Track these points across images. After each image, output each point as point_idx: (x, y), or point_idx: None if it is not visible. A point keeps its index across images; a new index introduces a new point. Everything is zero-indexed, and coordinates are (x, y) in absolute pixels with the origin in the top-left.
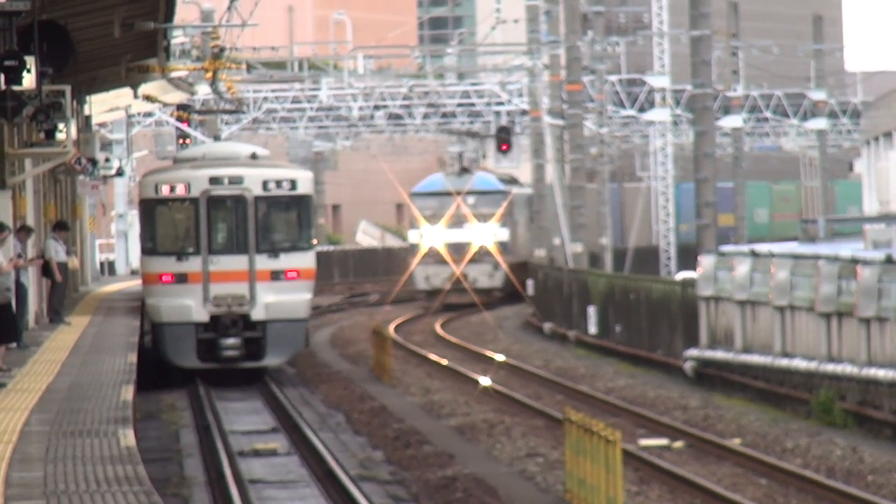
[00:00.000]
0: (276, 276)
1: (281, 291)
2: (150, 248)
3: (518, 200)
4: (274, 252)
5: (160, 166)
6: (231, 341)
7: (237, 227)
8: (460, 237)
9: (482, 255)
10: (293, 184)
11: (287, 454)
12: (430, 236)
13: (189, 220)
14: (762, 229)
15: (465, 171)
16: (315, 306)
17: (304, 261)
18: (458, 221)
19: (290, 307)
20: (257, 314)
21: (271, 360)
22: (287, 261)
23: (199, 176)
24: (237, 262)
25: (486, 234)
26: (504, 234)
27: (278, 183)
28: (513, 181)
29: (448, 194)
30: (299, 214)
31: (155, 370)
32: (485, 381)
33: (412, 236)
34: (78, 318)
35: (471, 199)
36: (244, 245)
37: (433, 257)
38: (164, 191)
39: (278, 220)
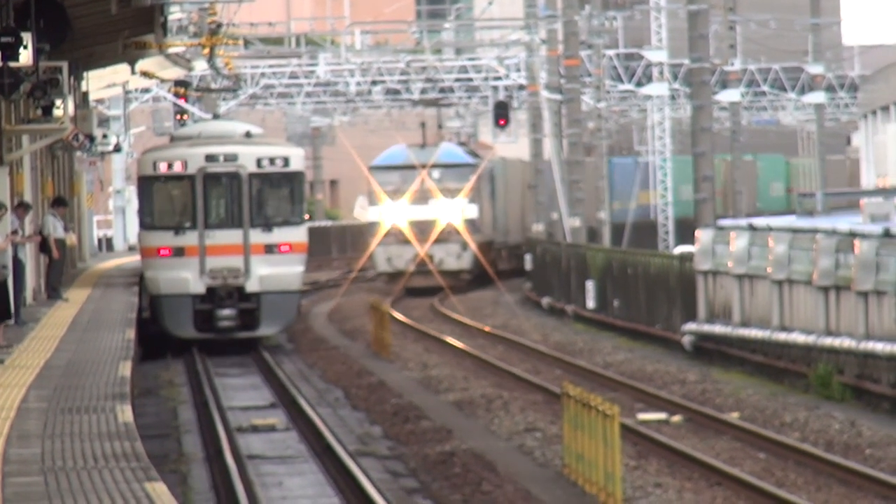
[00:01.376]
0: (269, 249)
1: (274, 264)
2: (148, 223)
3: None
4: (267, 226)
5: (158, 144)
6: (227, 312)
7: (232, 203)
8: (425, 214)
9: (449, 234)
10: (286, 161)
11: (285, 430)
12: (391, 214)
13: (186, 195)
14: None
15: (426, 144)
16: (313, 281)
17: (297, 235)
18: (422, 197)
19: (283, 279)
20: (252, 286)
21: (265, 330)
22: (280, 235)
23: (195, 153)
24: (232, 237)
25: (454, 211)
26: (473, 211)
27: (272, 160)
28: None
29: (411, 168)
30: (292, 190)
31: (153, 340)
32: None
33: (372, 214)
34: (76, 294)
35: (436, 173)
36: (239, 220)
37: (395, 237)
38: (162, 168)
39: (272, 195)
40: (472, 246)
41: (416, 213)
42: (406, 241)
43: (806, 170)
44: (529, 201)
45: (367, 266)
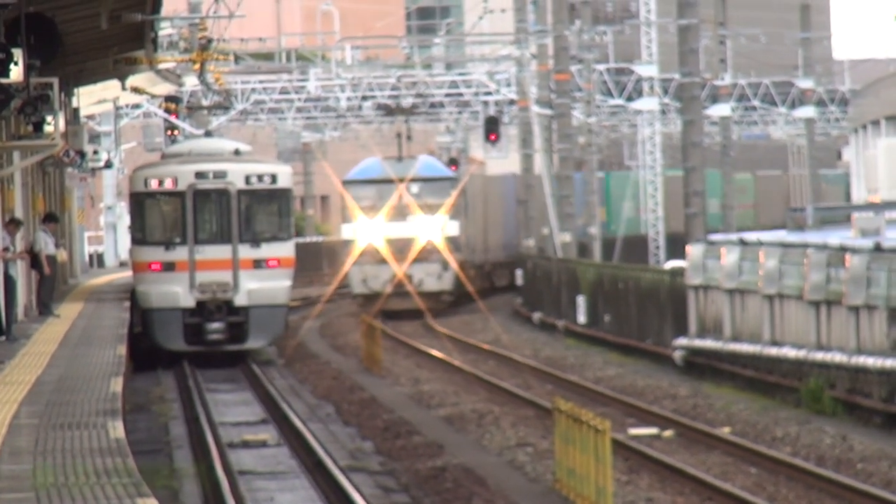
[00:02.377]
0: (257, 264)
1: (262, 279)
2: (139, 238)
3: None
4: (256, 242)
5: (149, 161)
6: (216, 325)
7: (221, 219)
8: (403, 232)
9: (429, 253)
10: (274, 178)
11: (277, 445)
12: (367, 231)
13: (176, 212)
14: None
15: (403, 157)
16: (304, 297)
17: (284, 250)
18: (400, 213)
19: (270, 293)
20: (240, 300)
21: (253, 343)
22: (268, 250)
23: (185, 171)
24: (221, 252)
25: (434, 228)
26: (454, 228)
27: (260, 177)
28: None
29: (388, 182)
30: (279, 207)
31: (144, 354)
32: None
33: (346, 231)
34: (67, 310)
35: (415, 188)
36: (228, 235)
37: (371, 256)
38: (153, 185)
39: (260, 212)
40: (454, 265)
41: (394, 231)
42: (383, 261)
43: (741, 185)
44: (510, 218)
45: (345, 286)
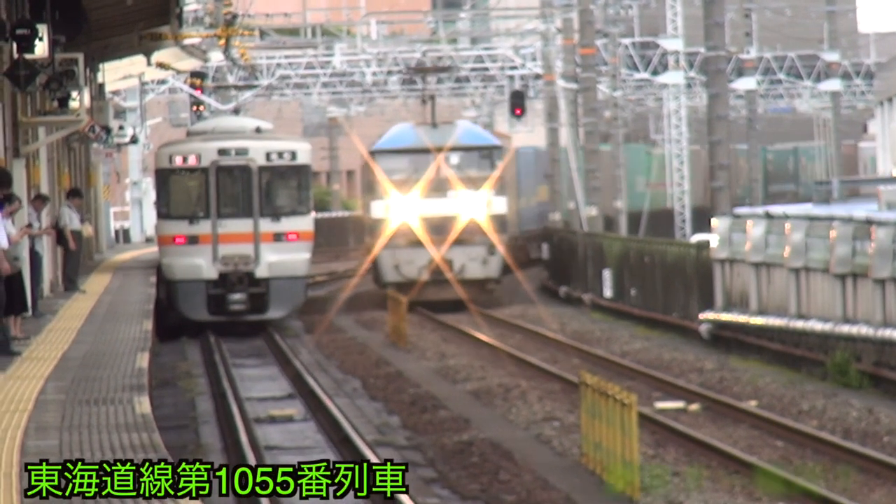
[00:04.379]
0: (277, 237)
1: (282, 251)
2: (164, 212)
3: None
4: (276, 216)
5: (174, 139)
6: (238, 296)
7: (243, 194)
8: (441, 209)
9: (472, 234)
10: (293, 155)
11: (303, 420)
12: (400, 209)
13: (200, 187)
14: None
15: (439, 122)
16: (330, 272)
17: (303, 224)
18: (437, 188)
19: (290, 266)
20: (261, 272)
21: (274, 314)
22: (288, 224)
23: (208, 148)
24: (243, 225)
25: (477, 204)
26: (500, 205)
27: (280, 154)
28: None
29: (423, 151)
30: (299, 182)
31: (169, 324)
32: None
33: (375, 209)
34: (93, 285)
35: (454, 158)
36: (249, 210)
37: (404, 238)
38: (178, 161)
39: (280, 187)
40: (501, 248)
41: (431, 208)
42: (418, 244)
43: (667, 162)
44: (518, 191)
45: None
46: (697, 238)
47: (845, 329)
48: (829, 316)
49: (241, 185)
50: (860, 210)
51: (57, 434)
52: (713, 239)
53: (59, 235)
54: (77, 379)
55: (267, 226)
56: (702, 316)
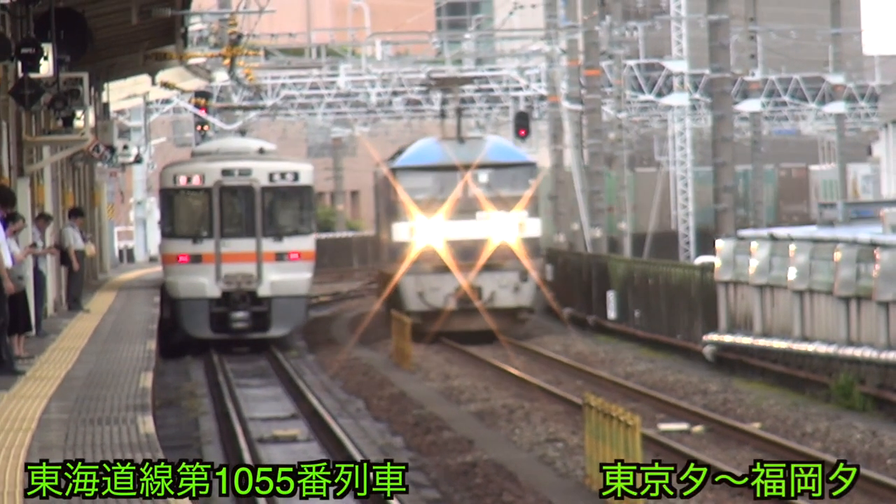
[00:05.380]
0: (280, 257)
1: (284, 271)
2: (169, 231)
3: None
4: (278, 236)
5: (179, 159)
6: (240, 315)
7: (246, 214)
8: (470, 232)
9: (503, 259)
10: (296, 175)
11: (307, 440)
12: (424, 232)
13: (204, 207)
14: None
15: (467, 136)
16: (334, 292)
17: (305, 244)
18: (465, 209)
19: (292, 285)
20: (263, 291)
21: (276, 332)
22: (290, 244)
23: (212, 168)
24: (246, 245)
25: (509, 227)
26: (534, 228)
27: (283, 175)
28: None
29: (450, 168)
30: (301, 203)
31: (173, 342)
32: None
33: (397, 231)
34: (97, 305)
35: (484, 176)
36: (252, 229)
37: (429, 263)
38: (182, 181)
39: (282, 207)
40: (534, 275)
41: (458, 231)
42: (444, 269)
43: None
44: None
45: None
46: (701, 260)
47: (849, 352)
48: (833, 338)
49: (244, 205)
50: (864, 233)
51: (60, 453)
52: (717, 261)
53: (63, 255)
54: (80, 398)
55: (269, 245)
56: (706, 338)
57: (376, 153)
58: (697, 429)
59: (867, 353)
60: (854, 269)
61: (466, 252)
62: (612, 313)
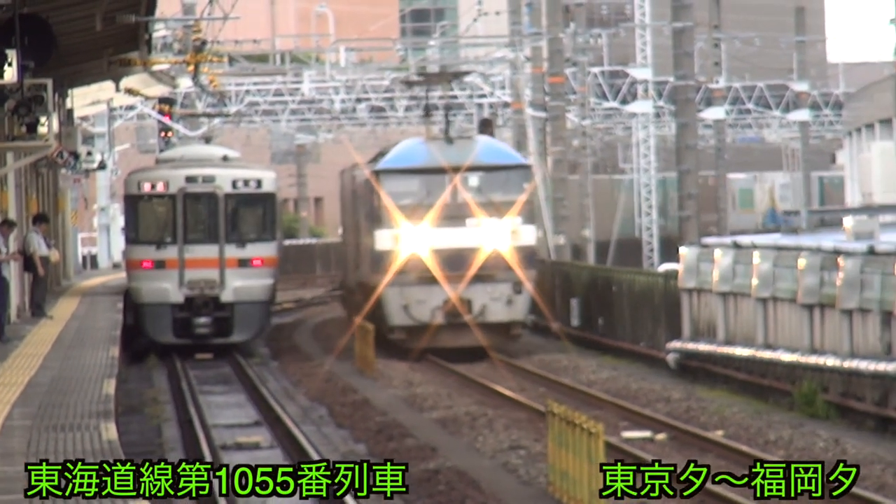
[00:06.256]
0: (242, 263)
1: (247, 277)
2: (133, 238)
3: None
4: (241, 242)
5: (143, 166)
6: (203, 320)
7: (209, 220)
8: (459, 240)
9: (494, 270)
10: (259, 183)
11: (270, 447)
12: (409, 240)
13: (167, 213)
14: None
15: (455, 136)
16: (297, 298)
17: (268, 250)
18: (454, 215)
19: (254, 291)
20: (226, 296)
21: (238, 337)
22: (253, 250)
23: (176, 175)
24: (209, 251)
25: (501, 234)
26: (529, 235)
27: (246, 182)
28: None
29: (438, 171)
30: (264, 210)
31: (136, 347)
32: None
33: (381, 240)
34: (60, 311)
35: (474, 180)
36: (215, 236)
37: (415, 273)
38: (146, 188)
39: (245, 214)
40: (529, 287)
41: (447, 239)
42: (431, 280)
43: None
44: None
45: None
46: (665, 267)
47: (812, 359)
48: (797, 346)
49: (207, 211)
50: (828, 240)
51: (23, 460)
52: (680, 268)
53: (27, 261)
54: (44, 405)
55: (232, 252)
56: (669, 345)
57: (360, 159)
58: (660, 436)
59: (830, 361)
60: (817, 277)
61: (455, 262)
62: (575, 321)
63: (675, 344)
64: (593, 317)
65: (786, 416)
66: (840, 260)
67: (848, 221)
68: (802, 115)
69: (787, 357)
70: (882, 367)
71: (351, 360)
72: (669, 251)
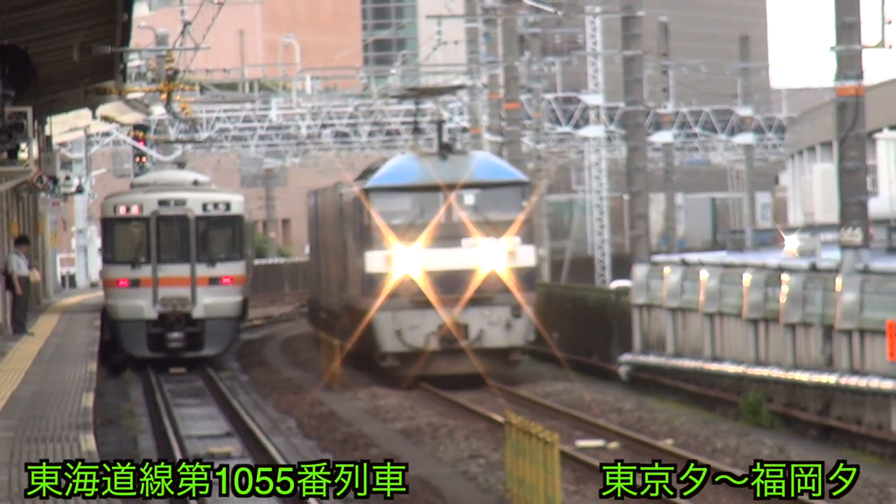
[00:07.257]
0: (213, 281)
1: (217, 294)
2: (109, 258)
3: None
4: (211, 262)
5: (118, 190)
6: (176, 335)
7: (181, 241)
8: (454, 261)
9: (492, 292)
10: (228, 206)
11: (241, 457)
12: (402, 261)
13: (142, 235)
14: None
15: (450, 150)
16: (267, 315)
17: (237, 269)
18: (449, 235)
19: (224, 307)
20: (197, 313)
21: (209, 351)
22: (222, 269)
23: (149, 199)
24: (181, 270)
25: (499, 255)
26: (528, 256)
27: (215, 205)
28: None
29: (432, 189)
30: (233, 231)
31: (113, 362)
32: None
33: (371, 261)
34: (41, 328)
35: (470, 198)
36: (187, 256)
37: (408, 297)
38: (121, 211)
39: (215, 235)
40: (528, 311)
41: (441, 260)
42: (425, 304)
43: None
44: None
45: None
46: (617, 284)
47: (757, 371)
48: (742, 359)
49: (179, 233)
50: (772, 258)
51: (6, 470)
52: (632, 285)
53: (8, 281)
54: (25, 418)
55: (203, 270)
56: (621, 358)
57: (348, 176)
58: (613, 445)
59: (775, 372)
60: (762, 293)
61: (450, 284)
62: (531, 335)
63: (627, 357)
64: (549, 331)
65: (733, 426)
66: (783, 276)
67: (792, 241)
68: (747, 138)
69: (733, 369)
70: (824, 378)
71: (318, 374)
72: (621, 269)
